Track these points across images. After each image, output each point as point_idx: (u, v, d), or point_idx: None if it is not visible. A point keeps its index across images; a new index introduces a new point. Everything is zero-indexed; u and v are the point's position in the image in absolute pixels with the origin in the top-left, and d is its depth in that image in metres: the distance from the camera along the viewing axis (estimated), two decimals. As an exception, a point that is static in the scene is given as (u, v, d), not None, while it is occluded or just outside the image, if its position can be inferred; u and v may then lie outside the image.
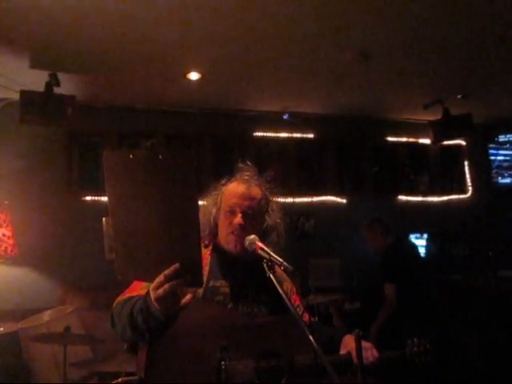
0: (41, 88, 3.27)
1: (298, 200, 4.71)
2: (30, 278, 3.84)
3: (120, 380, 2.39)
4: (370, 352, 1.58)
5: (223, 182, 1.76)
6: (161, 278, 1.11)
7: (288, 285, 1.81)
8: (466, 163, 5.40)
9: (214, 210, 1.71)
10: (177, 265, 1.09)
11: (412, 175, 5.22)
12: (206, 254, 1.68)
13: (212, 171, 4.49)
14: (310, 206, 4.77)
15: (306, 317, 1.79)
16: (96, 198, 4.09)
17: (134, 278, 1.24)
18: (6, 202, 3.62)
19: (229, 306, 1.58)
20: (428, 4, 2.65)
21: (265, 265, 1.46)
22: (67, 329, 2.78)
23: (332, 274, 4.73)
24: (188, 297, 1.17)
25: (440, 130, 4.23)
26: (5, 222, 3.49)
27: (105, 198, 4.07)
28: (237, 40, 3.03)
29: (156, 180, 1.06)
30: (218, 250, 1.68)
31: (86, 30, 2.81)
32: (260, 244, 1.52)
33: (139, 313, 1.22)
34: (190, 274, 1.10)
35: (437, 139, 4.32)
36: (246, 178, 1.72)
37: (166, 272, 1.10)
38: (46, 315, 3.06)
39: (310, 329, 1.29)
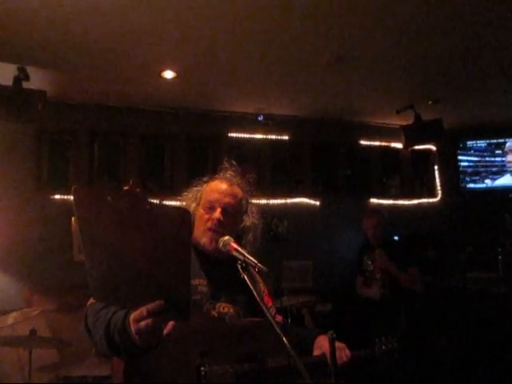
0: (9, 82, 3.16)
1: (272, 201, 4.72)
2: (-5, 278, 3.71)
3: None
4: (343, 352, 1.59)
5: (205, 179, 1.77)
6: (143, 311, 1.07)
7: (261, 286, 1.82)
8: (436, 167, 5.54)
9: (193, 205, 1.70)
10: (161, 302, 1.05)
11: (384, 178, 5.31)
12: None
13: (186, 171, 4.46)
14: (284, 207, 4.78)
15: (279, 318, 1.80)
16: (65, 196, 3.99)
17: (112, 305, 1.19)
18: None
19: (205, 307, 1.56)
20: (402, 10, 2.70)
21: (239, 266, 1.46)
22: (33, 332, 2.68)
23: (305, 276, 4.75)
24: (170, 326, 1.16)
25: (411, 135, 4.32)
26: (-32, 221, 3.36)
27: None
28: (213, 40, 3.02)
29: (142, 228, 1.03)
30: (194, 248, 1.65)
31: (57, 23, 2.72)
32: (234, 245, 1.51)
33: (117, 335, 1.17)
34: (176, 309, 1.07)
35: (408, 144, 4.40)
36: (228, 176, 1.74)
37: (150, 307, 1.06)
38: (11, 317, 2.95)
39: (284, 330, 1.30)
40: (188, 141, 4.53)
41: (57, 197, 3.99)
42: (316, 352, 1.60)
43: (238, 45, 3.11)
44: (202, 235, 1.62)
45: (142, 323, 1.07)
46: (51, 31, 2.82)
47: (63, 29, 2.79)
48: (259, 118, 4.64)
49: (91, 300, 1.38)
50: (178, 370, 1.33)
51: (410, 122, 4.41)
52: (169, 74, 3.51)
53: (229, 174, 1.74)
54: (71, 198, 3.91)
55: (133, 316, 1.09)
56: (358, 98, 4.39)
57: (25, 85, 3.22)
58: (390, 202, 5.21)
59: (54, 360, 3.03)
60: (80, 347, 2.37)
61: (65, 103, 4.01)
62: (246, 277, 1.44)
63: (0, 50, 3.03)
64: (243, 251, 1.48)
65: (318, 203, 4.91)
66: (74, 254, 4.02)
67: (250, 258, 1.45)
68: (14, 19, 2.66)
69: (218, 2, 2.53)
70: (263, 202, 4.66)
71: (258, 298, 1.37)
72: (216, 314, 1.55)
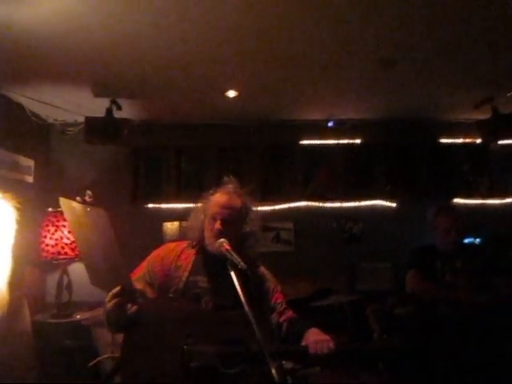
0: (103, 111, 3.81)
1: (346, 204, 4.82)
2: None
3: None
4: (325, 344, 1.75)
5: (211, 192, 2.10)
6: (110, 295, 1.54)
7: (271, 284, 2.07)
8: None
9: (202, 216, 2.05)
10: (119, 287, 1.53)
11: (470, 177, 5.00)
12: (191, 253, 2.02)
13: (261, 181, 4.69)
14: (358, 210, 4.83)
15: (289, 313, 2.03)
16: (157, 205, 4.61)
17: (100, 288, 1.66)
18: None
19: (204, 299, 1.88)
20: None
21: (228, 264, 1.74)
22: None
23: (382, 278, 4.76)
24: (134, 309, 1.59)
25: (488, 130, 4.06)
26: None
27: (165, 205, 4.59)
28: (271, 56, 3.19)
29: (87, 226, 1.46)
30: (203, 251, 2.01)
31: (139, 62, 3.21)
32: (226, 246, 1.81)
33: (105, 315, 1.65)
34: (127, 294, 1.54)
35: (485, 139, 4.14)
36: (227, 190, 2.05)
37: (114, 291, 1.53)
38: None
39: (257, 321, 1.55)
40: (261, 150, 4.84)
41: (150, 206, 4.64)
42: (303, 343, 1.80)
43: (297, 59, 3.24)
44: (208, 241, 1.97)
45: (109, 304, 1.52)
46: (135, 69, 3.34)
47: (144, 65, 3.27)
48: (329, 124, 4.77)
49: None
50: (165, 348, 1.65)
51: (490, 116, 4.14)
52: (231, 94, 3.85)
53: (229, 187, 2.04)
54: (162, 206, 4.52)
55: (106, 299, 1.53)
56: (432, 94, 4.18)
57: (117, 113, 3.89)
58: (479, 201, 4.88)
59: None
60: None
61: (153, 125, 4.66)
62: (233, 273, 1.71)
63: (95, 89, 3.70)
64: (232, 252, 1.76)
65: (394, 205, 4.86)
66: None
67: (236, 257, 1.72)
68: (105, 64, 3.23)
69: (274, 16, 2.60)
70: (336, 204, 4.79)
71: (239, 291, 1.63)
72: (212, 306, 1.87)
